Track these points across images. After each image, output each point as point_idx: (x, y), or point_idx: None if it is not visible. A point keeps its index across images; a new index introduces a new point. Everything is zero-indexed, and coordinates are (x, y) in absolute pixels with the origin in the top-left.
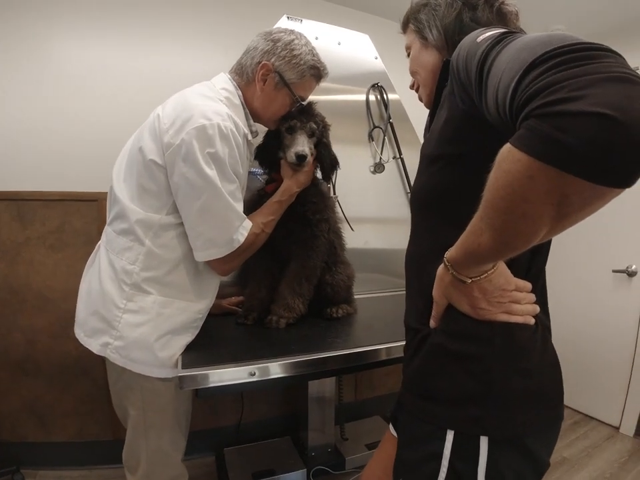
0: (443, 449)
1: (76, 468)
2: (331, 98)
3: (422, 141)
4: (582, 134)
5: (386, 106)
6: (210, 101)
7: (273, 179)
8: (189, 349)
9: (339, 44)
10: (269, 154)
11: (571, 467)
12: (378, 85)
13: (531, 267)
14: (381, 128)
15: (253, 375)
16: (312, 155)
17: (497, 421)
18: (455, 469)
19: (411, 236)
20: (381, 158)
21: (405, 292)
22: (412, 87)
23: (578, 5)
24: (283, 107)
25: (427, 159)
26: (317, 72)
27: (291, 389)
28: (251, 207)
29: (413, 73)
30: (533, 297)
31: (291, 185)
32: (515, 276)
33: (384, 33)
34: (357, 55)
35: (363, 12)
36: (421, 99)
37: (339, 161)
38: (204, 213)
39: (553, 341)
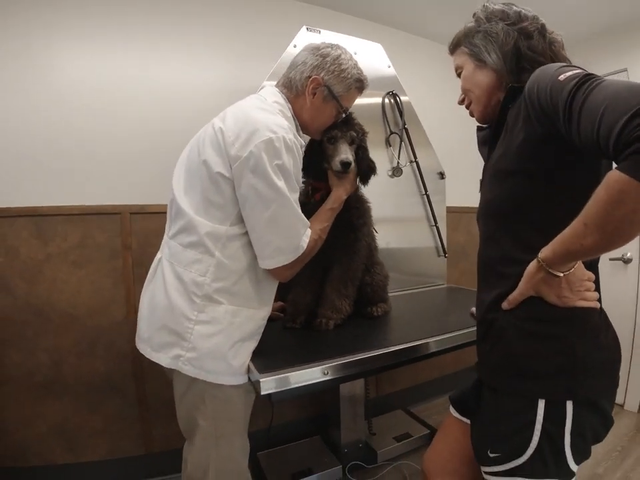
0: (536, 415)
1: None
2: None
3: (434, 143)
4: None
5: (401, 113)
6: (270, 114)
7: (316, 187)
8: (254, 355)
9: (355, 53)
10: (313, 164)
11: None
12: (392, 93)
13: (592, 262)
14: (397, 134)
15: (326, 374)
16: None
17: (580, 388)
18: (547, 432)
19: (484, 241)
20: (398, 162)
21: (423, 289)
22: (461, 103)
23: (563, 5)
24: (330, 118)
25: (503, 173)
26: (361, 84)
27: (318, 390)
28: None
29: (465, 91)
30: (594, 285)
31: (340, 193)
32: None
33: (395, 42)
34: (371, 63)
35: (375, 22)
36: (471, 114)
37: (375, 165)
38: (273, 222)
39: None
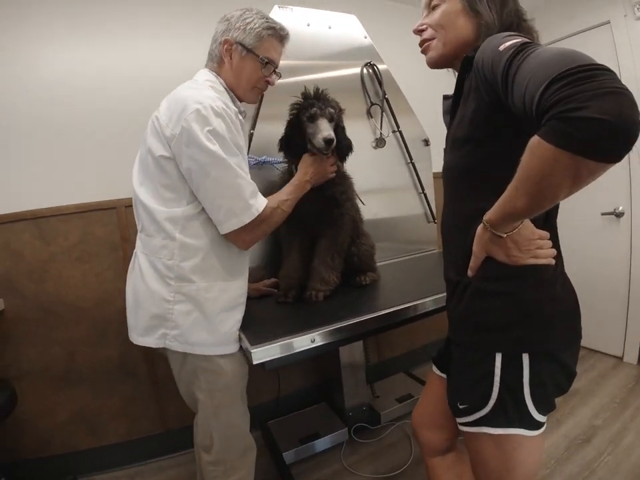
0: (494, 367)
1: (130, 466)
2: (327, 75)
3: (416, 110)
4: (589, 132)
5: (380, 83)
6: (198, 90)
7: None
8: (246, 329)
9: (330, 27)
10: (293, 144)
11: (583, 396)
12: (370, 64)
13: (546, 220)
14: (378, 104)
15: (313, 341)
16: None
17: (534, 340)
18: (505, 381)
19: (446, 204)
20: (381, 133)
21: (413, 256)
22: (419, 32)
23: None
24: (254, 72)
25: (460, 141)
26: (273, 31)
27: (320, 359)
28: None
29: (436, 26)
30: (550, 243)
31: (305, 173)
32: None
33: (370, 10)
34: (347, 35)
35: None
36: (425, 51)
37: (352, 143)
38: (217, 186)
39: None
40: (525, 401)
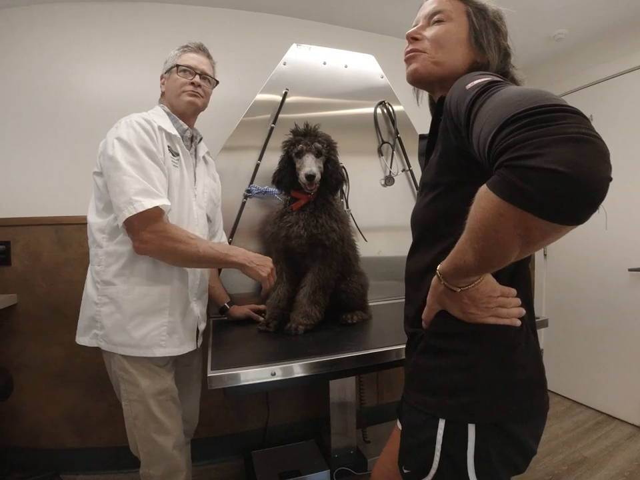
0: (436, 435)
1: (112, 472)
2: (340, 113)
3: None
4: (540, 185)
5: (393, 121)
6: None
7: (295, 197)
8: (217, 352)
9: (346, 66)
10: (284, 179)
11: (591, 466)
12: (385, 102)
13: (515, 274)
14: (390, 143)
15: (274, 374)
16: (321, 172)
17: (482, 409)
18: (447, 452)
19: (410, 253)
20: (390, 172)
21: None
22: (413, 39)
23: (579, 1)
24: (175, 81)
25: (427, 187)
26: (185, 47)
27: (314, 395)
28: (274, 220)
29: (435, 43)
30: (518, 301)
31: (248, 258)
32: (500, 283)
33: (387, 49)
34: (363, 74)
35: (368, 32)
36: (409, 60)
37: (346, 177)
38: (111, 186)
39: (573, 343)
40: (467, 476)
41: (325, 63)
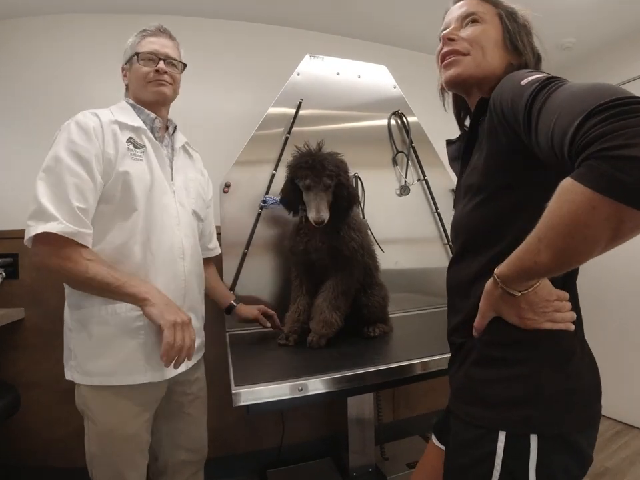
0: (496, 448)
1: None
2: (354, 125)
3: (445, 162)
4: (636, 174)
5: (407, 131)
6: None
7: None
8: (238, 367)
9: (359, 77)
10: (292, 203)
11: (613, 476)
12: (398, 112)
13: (566, 279)
14: (404, 153)
15: (300, 390)
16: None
17: (545, 420)
18: (508, 467)
19: (454, 261)
20: (405, 181)
21: (437, 309)
22: (449, 40)
23: (588, 10)
24: (139, 70)
25: (471, 190)
26: (143, 32)
27: (330, 411)
28: (292, 235)
29: (475, 44)
30: (570, 305)
31: (163, 316)
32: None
33: (399, 61)
34: (376, 85)
35: (380, 43)
36: (448, 65)
37: (361, 187)
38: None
39: (592, 351)
40: None
41: (338, 74)
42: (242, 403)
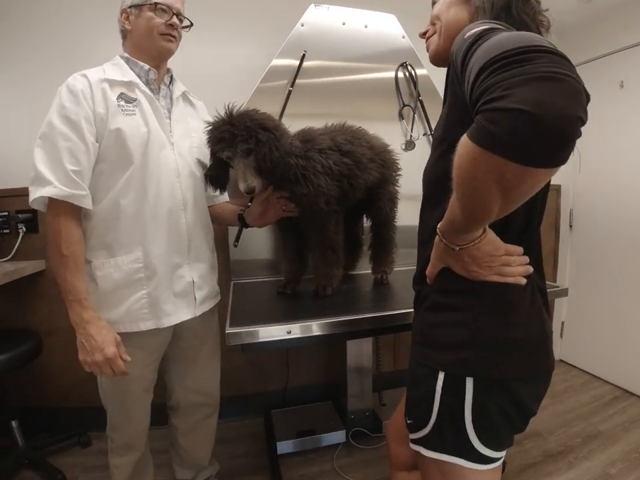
0: (436, 386)
1: None
2: (360, 77)
3: None
4: (505, 126)
5: (415, 84)
6: None
7: None
8: (236, 310)
9: (366, 27)
10: (220, 177)
11: (605, 440)
12: (406, 64)
13: (523, 235)
14: (410, 106)
15: (289, 332)
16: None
17: (481, 364)
18: (446, 403)
19: (420, 212)
20: (411, 136)
21: None
22: (423, 35)
23: None
24: (150, 21)
25: (435, 141)
26: None
27: (331, 359)
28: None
29: (434, 19)
30: (525, 259)
31: (74, 318)
32: (508, 242)
33: (410, 10)
34: (384, 35)
35: None
36: (427, 48)
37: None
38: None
39: (595, 316)
40: (465, 428)
41: (344, 24)
42: (234, 343)
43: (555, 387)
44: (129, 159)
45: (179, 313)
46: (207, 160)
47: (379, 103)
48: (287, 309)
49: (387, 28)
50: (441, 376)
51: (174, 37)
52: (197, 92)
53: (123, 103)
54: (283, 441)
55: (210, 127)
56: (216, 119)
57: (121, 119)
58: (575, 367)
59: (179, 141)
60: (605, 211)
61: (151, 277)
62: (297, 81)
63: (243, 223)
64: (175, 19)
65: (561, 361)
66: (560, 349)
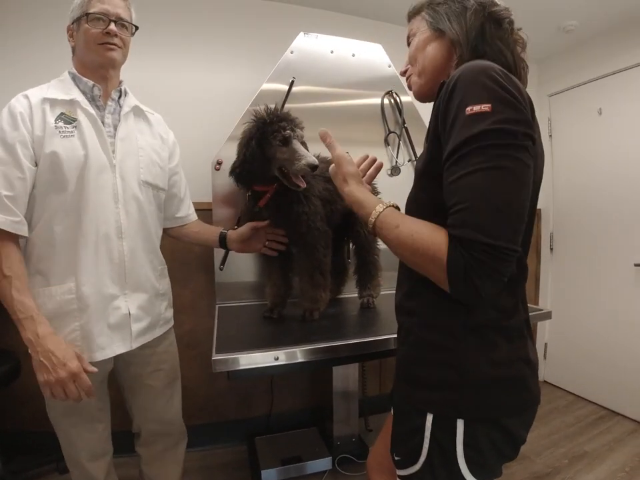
0: (425, 423)
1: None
2: (347, 103)
3: None
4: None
5: (400, 111)
6: None
7: (258, 192)
8: (222, 336)
9: (353, 55)
10: (255, 169)
11: (591, 460)
12: (392, 92)
13: (522, 258)
14: (396, 133)
15: (277, 359)
16: None
17: (469, 405)
18: (437, 440)
19: None
20: (396, 161)
21: None
22: (403, 74)
23: None
24: (88, 32)
25: (417, 174)
26: None
27: (316, 383)
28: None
29: (411, 59)
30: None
31: (29, 335)
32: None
33: (396, 39)
34: (370, 63)
35: (376, 20)
36: (410, 87)
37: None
38: None
39: (578, 338)
40: (457, 464)
41: (332, 52)
42: (220, 370)
43: (540, 409)
44: (63, 184)
45: (114, 347)
46: (156, 180)
47: (366, 129)
48: (273, 333)
49: (374, 57)
50: (429, 417)
51: (113, 44)
52: (190, 114)
53: (61, 124)
54: (268, 469)
55: (258, 114)
56: (264, 110)
57: (57, 142)
58: (559, 387)
59: (122, 162)
60: (584, 232)
61: (84, 309)
62: (286, 105)
63: (222, 243)
64: (112, 26)
65: (545, 382)
66: (544, 370)
